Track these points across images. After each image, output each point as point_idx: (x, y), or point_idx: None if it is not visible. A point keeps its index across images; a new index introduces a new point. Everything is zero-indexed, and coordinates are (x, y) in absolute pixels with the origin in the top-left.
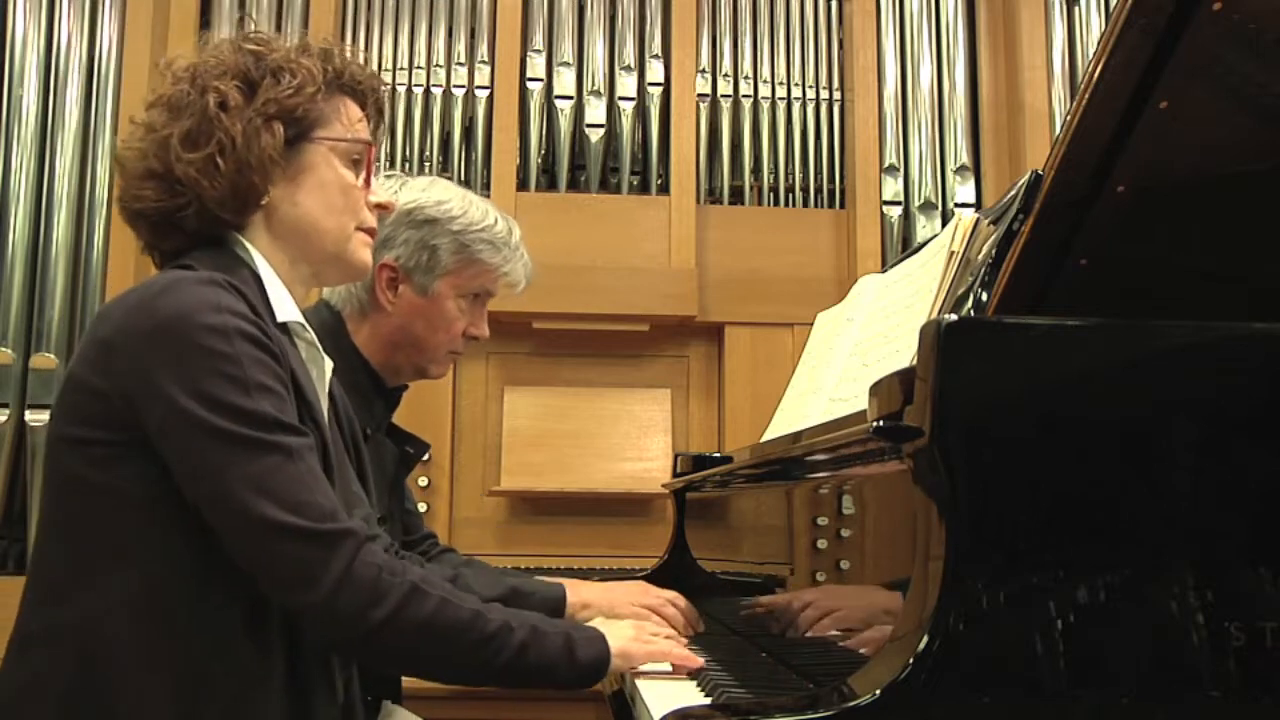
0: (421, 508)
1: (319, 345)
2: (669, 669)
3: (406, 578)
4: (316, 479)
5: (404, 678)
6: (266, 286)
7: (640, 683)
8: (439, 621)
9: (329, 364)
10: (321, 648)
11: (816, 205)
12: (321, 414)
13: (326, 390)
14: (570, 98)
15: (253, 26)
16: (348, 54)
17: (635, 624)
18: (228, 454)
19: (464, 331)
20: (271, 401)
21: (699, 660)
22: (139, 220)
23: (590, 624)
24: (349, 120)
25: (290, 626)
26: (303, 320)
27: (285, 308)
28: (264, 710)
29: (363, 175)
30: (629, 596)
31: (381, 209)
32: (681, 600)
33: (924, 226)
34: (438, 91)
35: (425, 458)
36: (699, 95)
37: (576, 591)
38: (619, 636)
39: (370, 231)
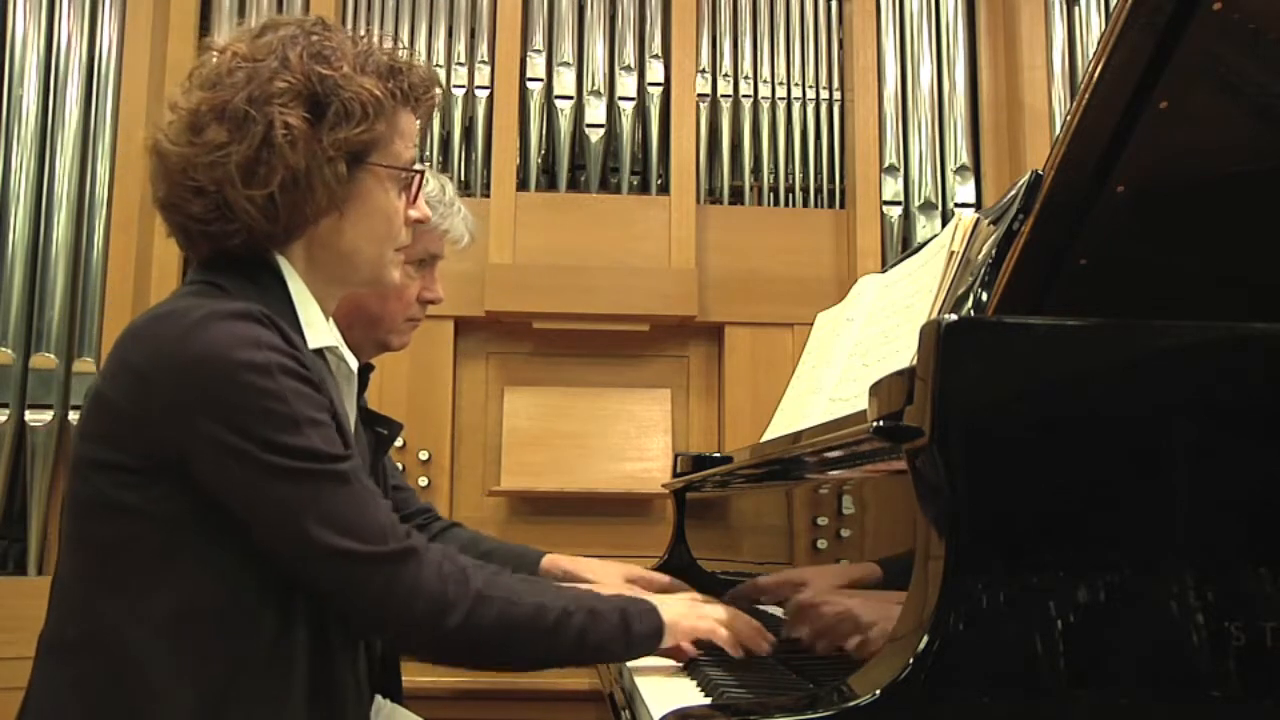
0: None
1: (352, 365)
2: (668, 663)
3: (470, 586)
4: (371, 496)
5: (403, 678)
6: (299, 312)
7: (639, 680)
8: (504, 623)
9: (354, 375)
10: (353, 662)
11: (816, 205)
12: (351, 434)
13: (355, 401)
14: (570, 98)
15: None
16: (410, 58)
17: (689, 600)
18: (284, 490)
19: (418, 296)
20: (320, 434)
21: (762, 645)
22: (175, 226)
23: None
24: (406, 136)
25: (315, 643)
26: (335, 344)
27: (318, 333)
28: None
29: (411, 196)
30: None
31: (418, 222)
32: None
33: (924, 226)
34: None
35: (400, 443)
36: (699, 95)
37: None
38: (672, 610)
39: (404, 248)
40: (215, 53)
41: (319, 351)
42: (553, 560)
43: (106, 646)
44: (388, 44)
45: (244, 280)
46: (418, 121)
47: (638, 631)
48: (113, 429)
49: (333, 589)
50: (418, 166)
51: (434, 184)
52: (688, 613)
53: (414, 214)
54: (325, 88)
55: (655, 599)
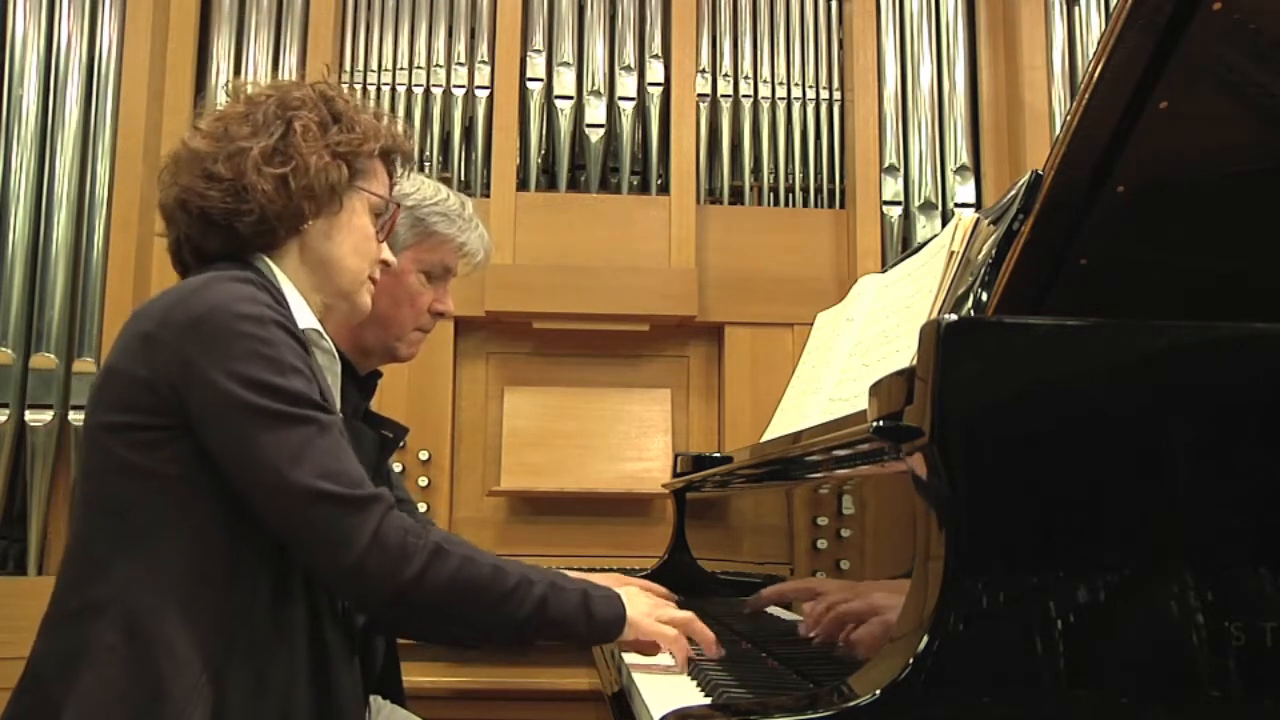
0: (421, 508)
1: (334, 351)
2: (669, 663)
3: (430, 538)
4: (345, 451)
5: (403, 678)
6: (286, 298)
7: (638, 678)
8: (462, 578)
9: (339, 367)
10: (351, 611)
11: (816, 205)
12: (335, 405)
13: (338, 394)
14: (570, 98)
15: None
16: (396, 125)
17: (652, 599)
18: (265, 428)
19: (429, 307)
20: (302, 381)
21: (711, 649)
22: (192, 216)
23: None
24: (381, 182)
25: (312, 597)
26: (319, 328)
27: (304, 316)
28: (290, 673)
29: (381, 233)
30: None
31: (384, 264)
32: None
33: (924, 226)
34: (438, 91)
35: (402, 444)
36: (699, 95)
37: None
38: (635, 604)
39: (374, 280)
40: (245, 85)
41: (304, 331)
42: None
43: (116, 609)
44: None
45: (235, 267)
46: (390, 182)
47: (600, 614)
48: (124, 393)
49: (296, 527)
50: (396, 200)
51: (454, 200)
52: (650, 611)
53: (383, 255)
54: (335, 109)
55: (620, 592)
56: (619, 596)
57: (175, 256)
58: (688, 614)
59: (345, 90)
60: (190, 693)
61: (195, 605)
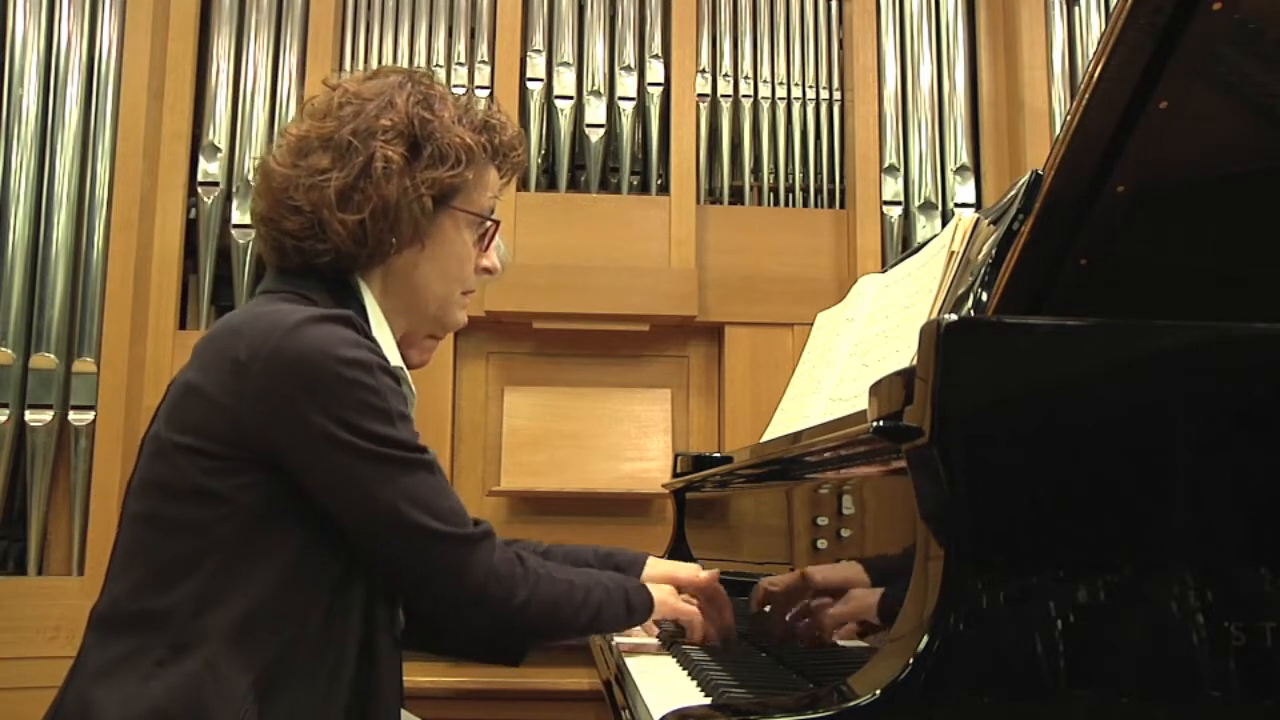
0: None
1: (410, 381)
2: (669, 662)
3: (530, 566)
4: (448, 487)
5: (404, 680)
6: (374, 331)
7: (640, 679)
8: (553, 599)
9: (415, 395)
10: (472, 630)
11: (816, 205)
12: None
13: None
14: (570, 98)
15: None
16: (504, 118)
17: (671, 590)
18: (382, 475)
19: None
20: (408, 428)
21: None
22: (277, 233)
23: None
24: (488, 188)
25: (367, 632)
26: (402, 365)
27: (390, 353)
28: (332, 705)
29: (483, 244)
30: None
31: (486, 272)
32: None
33: (924, 226)
34: None
35: None
36: (699, 95)
37: None
38: (660, 591)
39: (470, 292)
40: (329, 88)
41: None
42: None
43: (171, 624)
44: (485, 104)
45: (328, 295)
46: (502, 179)
47: (636, 604)
48: (204, 418)
49: (414, 564)
50: (496, 219)
51: None
52: (667, 599)
53: (484, 263)
54: (425, 131)
55: (646, 585)
56: (648, 589)
57: (269, 257)
58: (694, 609)
59: (439, 87)
60: (232, 717)
61: (249, 631)
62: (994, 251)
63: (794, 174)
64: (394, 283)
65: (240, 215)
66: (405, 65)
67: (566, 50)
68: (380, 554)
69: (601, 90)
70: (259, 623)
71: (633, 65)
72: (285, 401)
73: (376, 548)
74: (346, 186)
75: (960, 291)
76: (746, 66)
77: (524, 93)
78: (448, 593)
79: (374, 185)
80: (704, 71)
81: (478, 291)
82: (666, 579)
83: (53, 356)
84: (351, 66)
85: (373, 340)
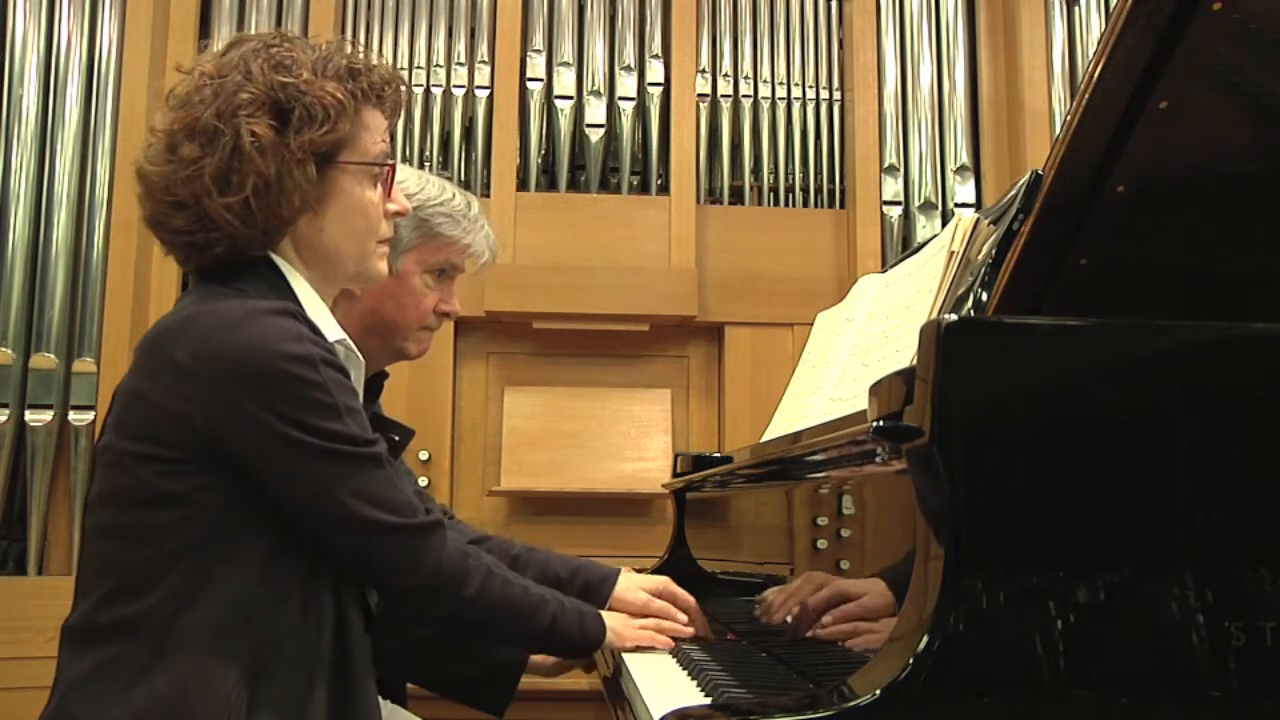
0: None
1: (359, 356)
2: (669, 662)
3: (482, 561)
4: (398, 478)
5: (408, 682)
6: (306, 308)
7: (639, 680)
8: (506, 596)
9: (363, 364)
10: (416, 621)
11: (816, 205)
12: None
13: (362, 389)
14: (570, 98)
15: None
16: (368, 59)
17: (624, 617)
18: (330, 472)
19: (435, 307)
20: (356, 420)
21: (674, 640)
22: (171, 235)
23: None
24: (373, 132)
25: (340, 622)
26: (345, 338)
27: (329, 327)
28: (314, 695)
29: (382, 188)
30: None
31: (397, 215)
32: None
33: (924, 226)
34: (438, 91)
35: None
36: (699, 95)
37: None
38: (614, 618)
39: (386, 240)
40: (184, 74)
41: (333, 345)
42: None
43: (148, 630)
44: (348, 49)
45: (255, 280)
46: (389, 118)
47: (589, 629)
48: (153, 423)
49: (365, 557)
50: (389, 161)
51: (460, 199)
52: (621, 629)
53: (392, 206)
54: (287, 95)
55: (602, 613)
56: (601, 617)
57: (179, 261)
58: (651, 633)
59: (297, 46)
60: (217, 716)
61: (228, 628)
62: (994, 251)
63: (794, 174)
64: (306, 252)
65: None
66: (405, 65)
67: (566, 50)
68: (335, 548)
69: (601, 90)
70: (237, 619)
71: (633, 65)
72: (233, 403)
73: (331, 542)
74: (221, 171)
75: (960, 291)
76: (746, 66)
77: (524, 93)
78: (402, 582)
79: (248, 163)
80: (704, 71)
81: (477, 291)
82: (637, 588)
83: (53, 356)
84: None
85: (311, 326)
